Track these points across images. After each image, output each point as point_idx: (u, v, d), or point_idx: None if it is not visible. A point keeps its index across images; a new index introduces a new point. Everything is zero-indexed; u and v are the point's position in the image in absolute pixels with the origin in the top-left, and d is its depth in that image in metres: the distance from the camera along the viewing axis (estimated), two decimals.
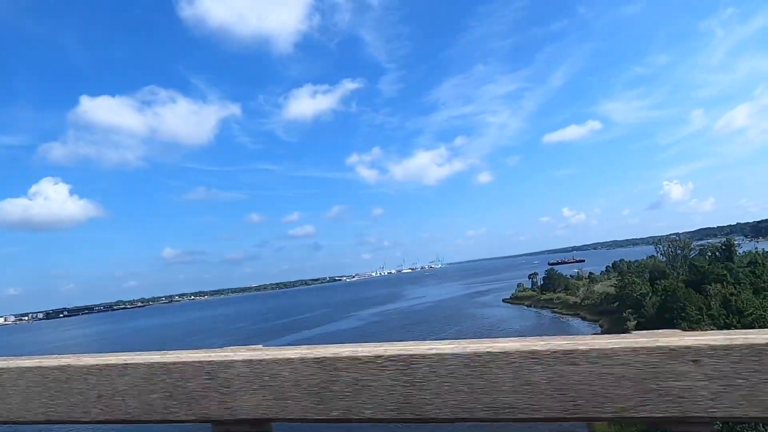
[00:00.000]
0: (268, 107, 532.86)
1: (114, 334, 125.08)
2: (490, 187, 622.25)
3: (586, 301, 67.78)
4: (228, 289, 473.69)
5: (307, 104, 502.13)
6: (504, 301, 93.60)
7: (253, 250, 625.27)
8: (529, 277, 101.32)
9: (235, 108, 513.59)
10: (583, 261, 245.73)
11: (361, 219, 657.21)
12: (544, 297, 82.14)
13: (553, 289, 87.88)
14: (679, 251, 70.98)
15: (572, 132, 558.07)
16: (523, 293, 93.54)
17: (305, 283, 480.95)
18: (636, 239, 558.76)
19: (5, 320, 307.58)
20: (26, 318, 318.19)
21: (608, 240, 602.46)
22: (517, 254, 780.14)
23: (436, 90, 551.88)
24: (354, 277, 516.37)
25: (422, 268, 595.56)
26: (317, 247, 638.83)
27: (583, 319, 61.59)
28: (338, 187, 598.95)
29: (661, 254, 72.96)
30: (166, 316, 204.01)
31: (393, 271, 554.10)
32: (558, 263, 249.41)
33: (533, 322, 64.56)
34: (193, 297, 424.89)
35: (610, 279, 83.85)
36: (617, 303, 59.80)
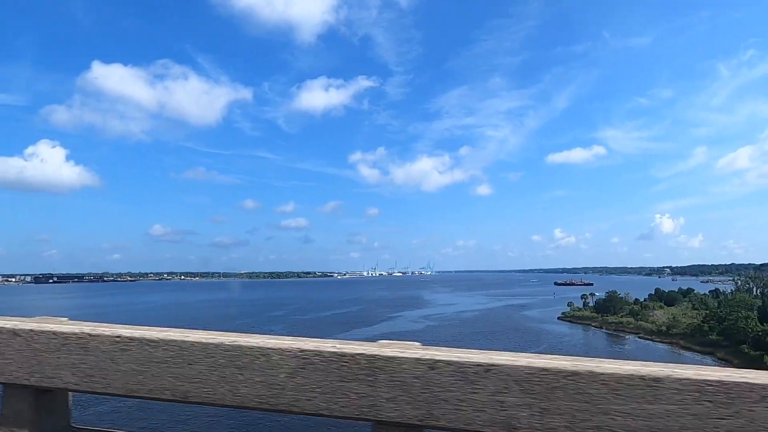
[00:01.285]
0: (278, 96, 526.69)
1: (134, 308, 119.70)
2: (487, 200, 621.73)
3: (673, 330, 65.62)
4: (218, 273, 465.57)
5: (319, 97, 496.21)
6: (560, 319, 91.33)
7: (243, 236, 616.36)
8: (582, 297, 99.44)
9: (247, 92, 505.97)
10: (591, 284, 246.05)
11: (354, 217, 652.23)
12: (612, 319, 79.91)
13: (613, 311, 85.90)
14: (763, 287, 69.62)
15: (576, 155, 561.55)
16: (580, 312, 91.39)
17: (297, 275, 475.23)
18: (627, 268, 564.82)
19: None
20: (13, 279, 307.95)
21: (598, 266, 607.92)
22: (507, 270, 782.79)
23: (439, 98, 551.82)
24: (345, 274, 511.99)
25: (413, 273, 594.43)
26: (307, 240, 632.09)
27: (686, 348, 59.27)
28: (336, 183, 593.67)
29: (745, 289, 71.40)
30: (173, 293, 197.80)
31: (384, 273, 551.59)
32: (565, 284, 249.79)
33: (635, 347, 62.06)
34: (183, 277, 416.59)
35: (678, 308, 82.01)
36: (719, 335, 57.92)
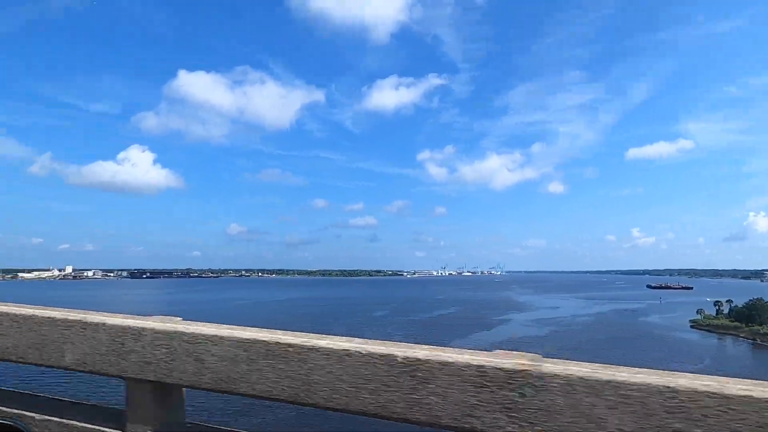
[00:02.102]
0: (345, 97, 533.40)
1: (232, 304, 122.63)
2: (559, 198, 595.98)
3: None
4: (292, 270, 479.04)
5: (388, 96, 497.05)
6: (693, 327, 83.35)
7: (312, 235, 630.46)
8: (715, 304, 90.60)
9: (319, 94, 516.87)
10: (691, 288, 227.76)
11: (420, 216, 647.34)
12: (763, 330, 71.44)
13: (759, 320, 77.04)
14: None
15: (658, 149, 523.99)
16: (717, 321, 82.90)
17: (369, 273, 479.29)
18: (719, 270, 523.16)
19: (93, 274, 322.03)
20: (112, 274, 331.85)
21: (682, 267, 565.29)
22: (579, 270, 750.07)
23: (506, 94, 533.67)
24: (414, 273, 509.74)
25: (482, 272, 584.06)
26: (373, 239, 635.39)
27: None
28: (403, 182, 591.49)
29: None
30: (261, 290, 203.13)
31: (453, 273, 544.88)
32: (660, 287, 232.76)
33: None
34: (260, 274, 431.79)
35: None
36: None
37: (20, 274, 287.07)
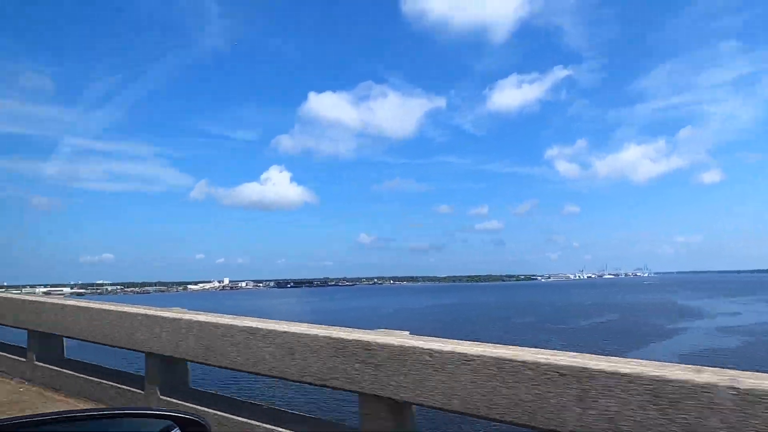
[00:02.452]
0: (465, 101, 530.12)
1: (389, 311, 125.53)
2: (715, 189, 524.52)
3: None
4: (421, 277, 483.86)
5: (510, 95, 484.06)
6: None
7: (438, 241, 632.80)
8: None
9: (440, 101, 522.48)
10: None
11: (550, 216, 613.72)
12: None
13: None
14: None
15: None
16: None
17: (500, 278, 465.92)
18: None
19: (246, 284, 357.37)
20: (261, 284, 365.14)
21: None
22: (743, 270, 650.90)
23: (642, 78, 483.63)
24: (549, 277, 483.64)
25: (626, 275, 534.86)
26: (500, 242, 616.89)
27: None
28: (529, 182, 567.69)
29: None
30: (403, 297, 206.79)
31: (593, 275, 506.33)
32: None
33: None
34: (392, 282, 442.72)
35: None
36: None
37: (189, 286, 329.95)
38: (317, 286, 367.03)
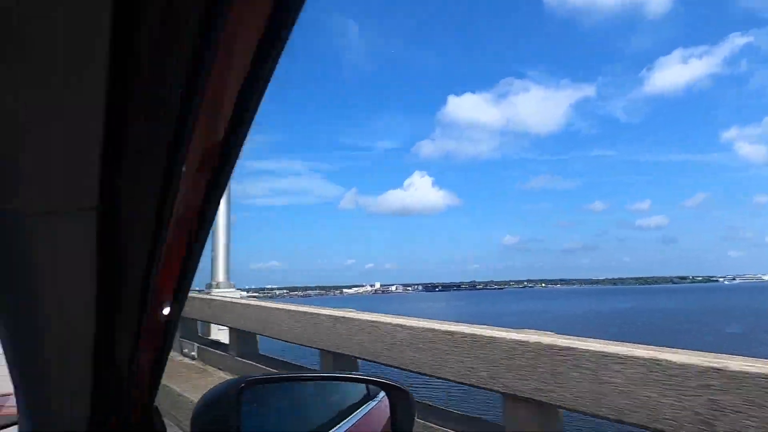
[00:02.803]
0: (615, 87, 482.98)
1: (550, 318, 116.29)
2: None
3: None
4: (576, 279, 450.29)
5: (675, 73, 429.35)
6: None
7: (590, 240, 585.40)
8: None
9: (587, 89, 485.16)
10: None
11: (730, 208, 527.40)
12: None
13: None
14: None
15: None
16: None
17: (671, 280, 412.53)
18: None
19: (396, 288, 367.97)
20: (410, 288, 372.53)
21: None
22: None
23: None
24: (734, 279, 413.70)
25: None
26: (666, 240, 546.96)
27: None
28: (701, 170, 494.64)
29: None
30: (557, 301, 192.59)
31: None
32: None
33: None
34: (543, 284, 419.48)
35: None
36: None
37: (344, 290, 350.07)
38: (465, 289, 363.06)
